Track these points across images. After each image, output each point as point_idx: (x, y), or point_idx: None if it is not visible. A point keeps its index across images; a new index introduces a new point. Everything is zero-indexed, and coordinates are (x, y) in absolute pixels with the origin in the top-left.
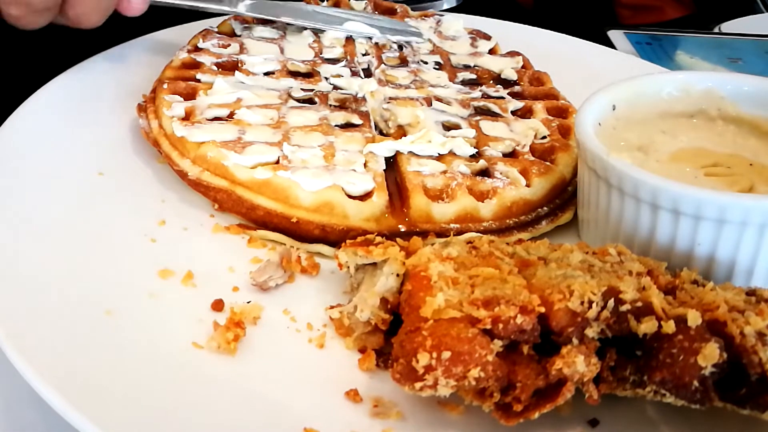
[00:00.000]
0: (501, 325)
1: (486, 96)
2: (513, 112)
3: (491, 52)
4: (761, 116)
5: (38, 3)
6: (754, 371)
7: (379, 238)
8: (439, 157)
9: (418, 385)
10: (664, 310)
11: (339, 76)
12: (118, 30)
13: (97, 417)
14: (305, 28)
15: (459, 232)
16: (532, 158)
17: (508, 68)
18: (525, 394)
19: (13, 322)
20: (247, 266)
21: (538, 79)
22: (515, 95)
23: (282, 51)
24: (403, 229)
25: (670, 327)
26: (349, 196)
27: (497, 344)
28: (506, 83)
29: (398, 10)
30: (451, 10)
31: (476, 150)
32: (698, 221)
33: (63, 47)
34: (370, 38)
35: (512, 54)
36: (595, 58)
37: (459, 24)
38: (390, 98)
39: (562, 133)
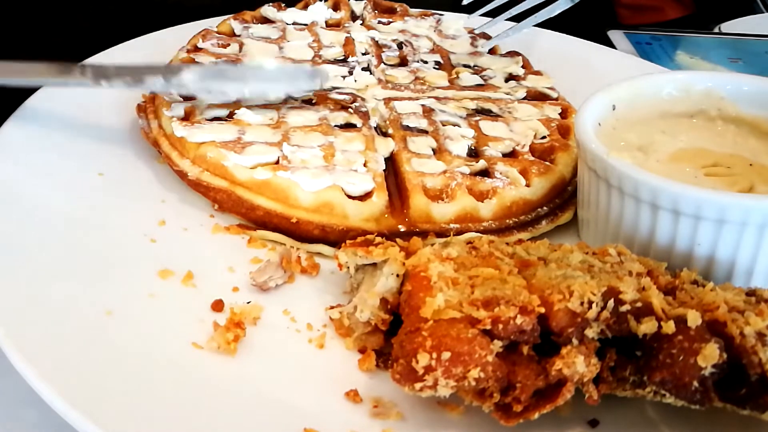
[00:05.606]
0: (501, 326)
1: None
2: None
3: (491, 51)
4: (761, 116)
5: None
6: (754, 371)
7: (378, 239)
8: (439, 157)
9: (418, 385)
10: (664, 311)
11: (339, 76)
12: (118, 30)
13: (97, 417)
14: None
15: (459, 232)
16: (532, 158)
17: (508, 68)
18: (525, 395)
19: (13, 322)
20: (247, 266)
21: None
22: None
23: (281, 51)
24: (402, 230)
25: (669, 327)
26: (349, 197)
27: (497, 345)
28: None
29: (398, 9)
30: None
31: (476, 150)
32: (698, 221)
33: (63, 47)
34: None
35: (512, 54)
36: (595, 58)
37: (459, 23)
38: (390, 98)
39: (562, 133)
